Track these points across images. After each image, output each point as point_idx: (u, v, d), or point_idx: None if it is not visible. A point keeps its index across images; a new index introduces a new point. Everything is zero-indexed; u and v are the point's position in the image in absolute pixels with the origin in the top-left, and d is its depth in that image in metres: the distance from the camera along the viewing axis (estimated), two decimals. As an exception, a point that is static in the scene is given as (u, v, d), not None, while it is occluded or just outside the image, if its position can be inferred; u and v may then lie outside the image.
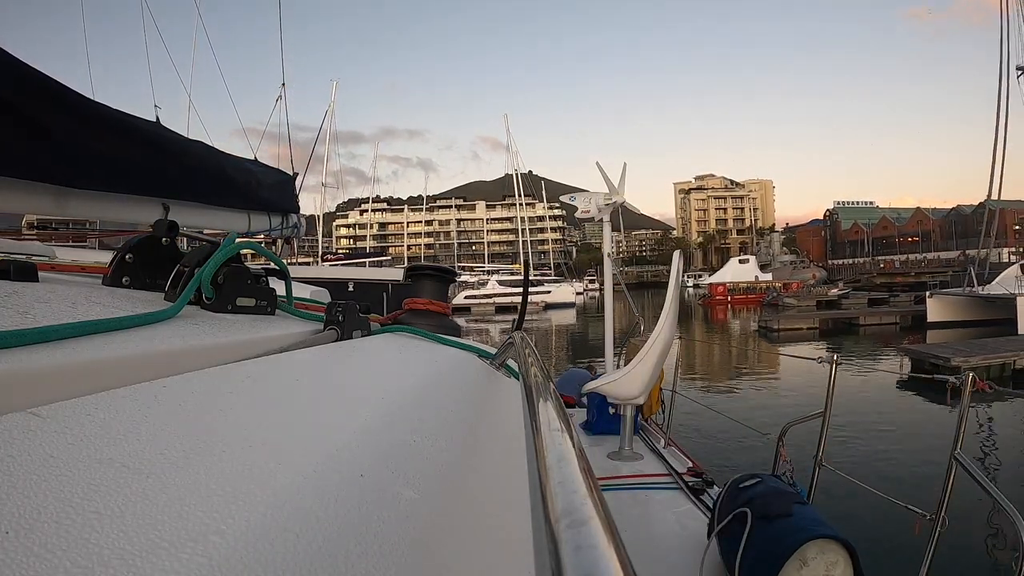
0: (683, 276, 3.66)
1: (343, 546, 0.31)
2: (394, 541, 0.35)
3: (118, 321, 0.63)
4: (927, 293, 20.93)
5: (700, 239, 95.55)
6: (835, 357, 2.68)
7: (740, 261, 44.72)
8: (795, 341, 17.61)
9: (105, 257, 1.38)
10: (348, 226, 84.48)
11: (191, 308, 0.88)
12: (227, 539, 0.27)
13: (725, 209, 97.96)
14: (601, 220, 3.92)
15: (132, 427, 0.38)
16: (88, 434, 0.36)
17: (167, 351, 0.62)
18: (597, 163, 3.93)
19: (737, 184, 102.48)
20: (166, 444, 0.37)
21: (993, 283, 19.35)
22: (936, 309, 19.49)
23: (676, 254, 3.27)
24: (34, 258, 1.26)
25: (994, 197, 20.15)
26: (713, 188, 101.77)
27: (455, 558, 0.39)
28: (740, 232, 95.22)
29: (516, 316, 1.56)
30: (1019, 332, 14.76)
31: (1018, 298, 16.07)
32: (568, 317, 26.49)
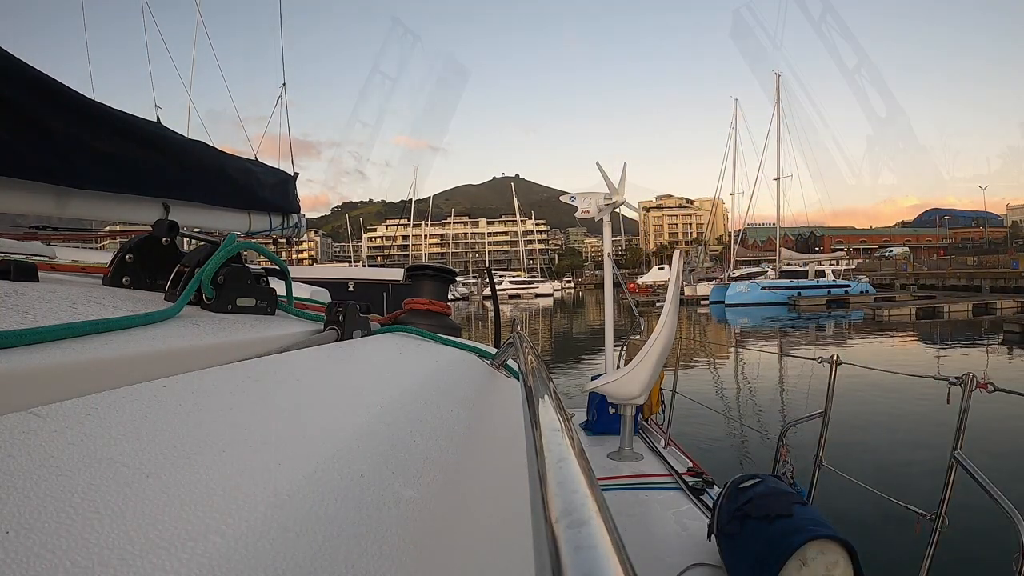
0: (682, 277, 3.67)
1: (343, 546, 0.31)
2: (394, 541, 0.35)
3: (118, 321, 0.63)
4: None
5: (655, 248, 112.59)
6: (835, 357, 2.67)
7: (659, 268, 57.55)
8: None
9: (105, 257, 1.38)
10: (378, 237, 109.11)
11: (191, 308, 0.88)
12: (227, 539, 0.27)
13: (677, 224, 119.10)
14: (601, 220, 3.91)
15: (132, 427, 0.38)
16: (88, 434, 0.36)
17: (167, 351, 0.62)
18: (597, 163, 3.94)
19: (690, 202, 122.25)
20: (166, 444, 0.37)
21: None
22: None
23: (676, 253, 3.26)
24: (34, 258, 1.27)
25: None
26: (669, 207, 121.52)
27: (455, 558, 0.39)
28: (688, 243, 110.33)
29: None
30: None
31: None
32: (548, 302, 47.91)
